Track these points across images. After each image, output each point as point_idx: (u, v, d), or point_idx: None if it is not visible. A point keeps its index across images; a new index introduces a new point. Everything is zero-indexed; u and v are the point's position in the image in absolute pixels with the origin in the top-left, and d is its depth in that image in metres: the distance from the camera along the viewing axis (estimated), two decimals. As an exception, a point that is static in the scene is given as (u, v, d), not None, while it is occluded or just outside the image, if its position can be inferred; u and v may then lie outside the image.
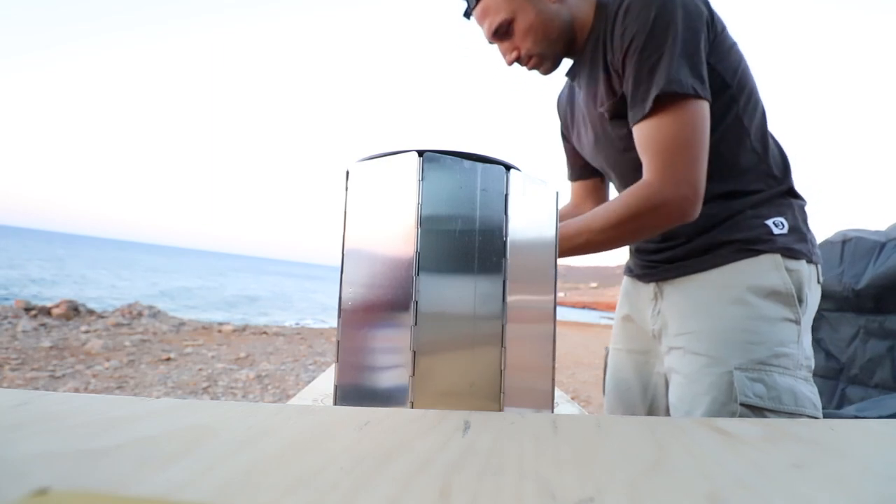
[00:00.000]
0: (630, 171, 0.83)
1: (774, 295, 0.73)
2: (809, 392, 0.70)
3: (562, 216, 1.01)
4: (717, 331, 0.73)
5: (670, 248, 0.82)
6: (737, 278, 0.74)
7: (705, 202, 0.71)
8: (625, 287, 0.98)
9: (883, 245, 1.91)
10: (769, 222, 0.76)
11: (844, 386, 1.95)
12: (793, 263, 0.74)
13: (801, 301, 0.73)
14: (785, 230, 0.76)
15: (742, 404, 0.68)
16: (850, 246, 2.01)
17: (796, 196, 0.80)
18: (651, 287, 0.86)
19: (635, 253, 0.91)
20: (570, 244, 0.71)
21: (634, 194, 0.70)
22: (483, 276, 0.38)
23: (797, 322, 0.73)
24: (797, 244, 0.76)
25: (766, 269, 0.74)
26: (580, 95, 0.88)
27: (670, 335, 0.80)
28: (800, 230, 0.78)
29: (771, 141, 0.80)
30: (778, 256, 0.74)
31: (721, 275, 0.76)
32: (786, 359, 0.70)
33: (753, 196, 0.77)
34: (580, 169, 1.04)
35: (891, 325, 1.83)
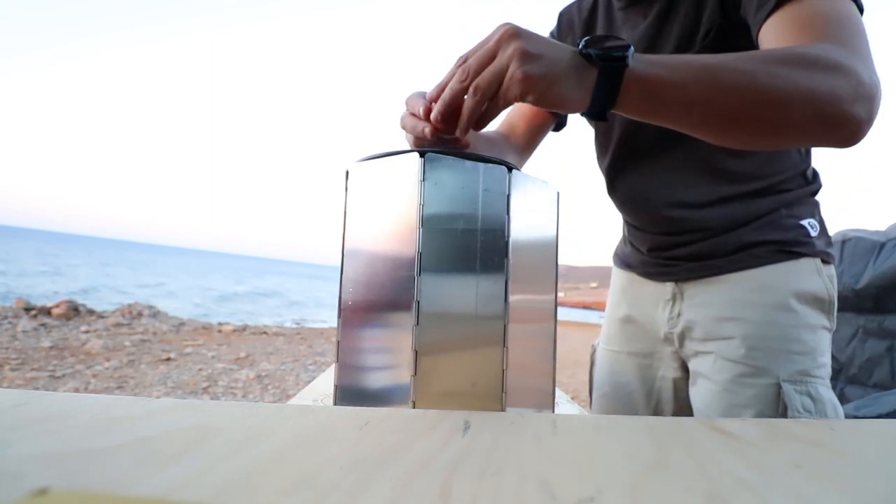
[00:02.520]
0: (663, 149, 0.71)
1: (816, 302, 0.68)
2: (838, 402, 0.67)
3: (495, 140, 0.79)
4: (758, 338, 0.68)
5: (692, 243, 0.74)
6: (778, 282, 0.68)
7: (734, 197, 0.65)
8: (621, 285, 0.89)
9: (882, 245, 1.91)
10: (804, 223, 0.70)
11: (843, 385, 1.95)
12: (828, 269, 0.70)
13: (835, 309, 0.69)
14: (817, 233, 0.71)
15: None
16: (849, 246, 2.01)
17: (816, 195, 0.75)
18: (668, 287, 0.79)
19: (647, 252, 0.82)
20: (722, 82, 0.44)
21: (819, 45, 0.47)
22: (485, 276, 0.38)
23: (830, 331, 0.69)
24: (828, 248, 0.71)
25: (807, 273, 0.68)
26: (640, 28, 0.70)
27: (696, 339, 0.74)
28: (826, 233, 0.73)
29: None
30: (818, 261, 0.69)
31: (758, 277, 0.69)
32: (823, 369, 0.67)
33: (785, 194, 0.71)
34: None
35: (890, 324, 1.83)
